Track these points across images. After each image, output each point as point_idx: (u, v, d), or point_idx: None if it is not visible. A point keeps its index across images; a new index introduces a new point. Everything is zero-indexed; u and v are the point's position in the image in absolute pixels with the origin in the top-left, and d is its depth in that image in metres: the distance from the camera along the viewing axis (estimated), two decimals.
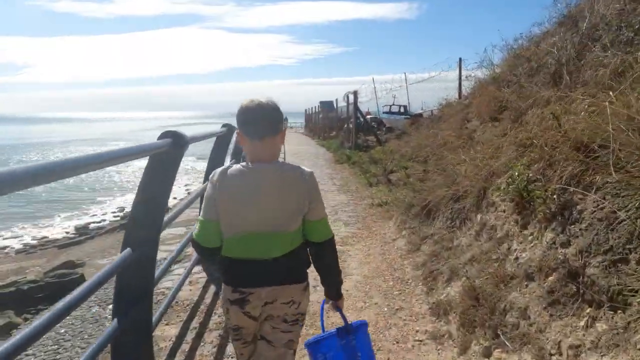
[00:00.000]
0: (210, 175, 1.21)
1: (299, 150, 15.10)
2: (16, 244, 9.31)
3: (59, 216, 12.79)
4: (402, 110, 20.57)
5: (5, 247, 9.05)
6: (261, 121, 1.17)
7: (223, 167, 1.21)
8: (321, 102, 25.39)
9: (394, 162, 7.77)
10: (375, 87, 13.59)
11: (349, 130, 14.10)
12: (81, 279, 4.92)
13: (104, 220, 11.76)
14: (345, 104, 14.72)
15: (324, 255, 1.29)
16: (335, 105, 20.33)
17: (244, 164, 1.19)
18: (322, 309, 1.40)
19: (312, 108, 27.89)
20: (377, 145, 11.76)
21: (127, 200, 13.80)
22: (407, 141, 10.34)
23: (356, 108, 12.13)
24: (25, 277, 5.60)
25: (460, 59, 11.33)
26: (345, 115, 18.13)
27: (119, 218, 11.60)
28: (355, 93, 12.07)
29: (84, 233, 9.80)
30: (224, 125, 3.30)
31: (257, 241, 1.19)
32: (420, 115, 16.89)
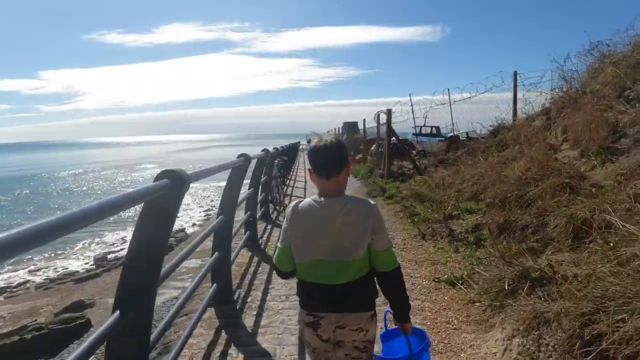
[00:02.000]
0: (287, 208, 1.40)
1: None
2: (38, 278, 9.43)
3: (81, 245, 12.65)
4: (434, 131, 18.44)
5: (27, 282, 9.14)
6: (328, 162, 1.31)
7: (296, 201, 1.36)
8: (345, 123, 24.17)
9: (451, 202, 5.64)
10: (412, 106, 11.59)
11: (380, 155, 12.13)
12: (86, 324, 4.88)
13: (124, 249, 11.39)
14: (375, 124, 12.84)
15: (390, 284, 1.37)
16: (360, 126, 18.52)
17: (314, 197, 1.33)
18: (385, 315, 1.67)
19: (335, 130, 26.56)
20: (415, 174, 9.67)
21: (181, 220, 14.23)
22: (456, 171, 8.21)
23: (390, 129, 10.19)
24: (36, 320, 5.62)
25: (515, 73, 9.28)
26: (374, 136, 16.24)
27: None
28: (389, 112, 10.18)
29: (100, 265, 9.77)
30: (240, 155, 3.30)
31: (324, 268, 1.30)
32: (457, 138, 14.73)
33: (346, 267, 1.29)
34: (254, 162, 4.35)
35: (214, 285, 2.80)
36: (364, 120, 15.17)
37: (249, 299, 3.16)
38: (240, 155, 3.04)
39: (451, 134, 16.48)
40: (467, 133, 16.20)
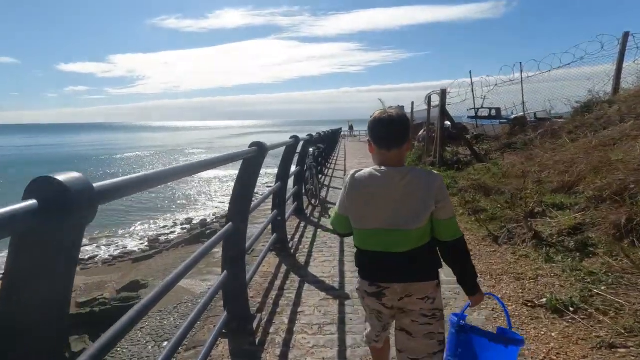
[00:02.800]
0: (345, 176, 1.46)
1: (362, 165, 12.19)
2: (103, 254, 10.48)
3: (137, 226, 13.69)
4: (493, 113, 16.35)
5: (95, 257, 10.19)
6: (390, 134, 1.29)
7: (354, 170, 1.34)
8: (389, 108, 22.71)
9: (533, 195, 4.38)
10: (472, 84, 9.98)
11: (430, 140, 10.77)
12: None
13: (173, 232, 12.37)
14: (425, 107, 11.46)
15: (454, 254, 1.33)
16: (407, 110, 17.00)
17: (374, 167, 1.31)
18: (466, 307, 1.43)
19: None
20: (474, 161, 8.27)
21: (195, 214, 14.93)
22: (529, 157, 6.74)
23: (443, 112, 8.82)
24: (102, 295, 6.41)
25: (626, 34, 7.29)
26: (422, 121, 14.75)
27: (185, 231, 12.04)
28: (443, 93, 8.80)
29: (153, 247, 10.41)
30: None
31: (385, 236, 1.27)
32: (524, 119, 12.73)
33: (408, 236, 1.26)
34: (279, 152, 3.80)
35: (225, 312, 2.24)
36: (412, 103, 13.73)
37: (272, 329, 2.46)
38: (252, 145, 2.26)
39: (514, 115, 14.40)
40: (535, 114, 14.03)
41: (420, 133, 14.09)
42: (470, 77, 10.09)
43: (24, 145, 62.64)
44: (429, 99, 10.65)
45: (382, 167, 1.28)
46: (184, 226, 12.95)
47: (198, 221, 13.25)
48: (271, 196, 3.93)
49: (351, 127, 39.87)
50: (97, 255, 10.29)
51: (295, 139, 4.25)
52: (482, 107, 16.06)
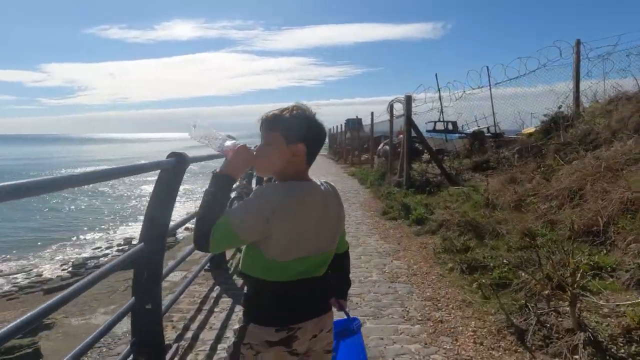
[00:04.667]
0: (259, 192, 1.03)
1: None
2: (7, 284, 8.23)
3: (61, 248, 11.02)
4: (449, 127, 15.83)
5: None
6: (323, 141, 1.12)
7: (272, 184, 1.06)
8: (347, 120, 21.98)
9: (569, 252, 3.03)
10: (440, 90, 8.86)
11: (387, 155, 9.57)
12: (34, 356, 3.56)
13: (107, 255, 10.35)
14: (386, 117, 10.30)
15: (343, 263, 1.28)
16: (367, 122, 15.96)
17: (296, 182, 1.03)
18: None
19: (336, 127, 24.37)
20: (446, 183, 7.09)
21: (136, 232, 12.40)
22: (511, 179, 5.62)
23: (410, 121, 7.60)
24: None
25: (578, 41, 6.71)
26: (382, 134, 13.65)
27: (121, 253, 10.03)
28: (408, 100, 7.59)
29: (77, 274, 8.58)
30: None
31: (310, 263, 1.05)
32: (482, 134, 12.14)
33: (326, 258, 1.10)
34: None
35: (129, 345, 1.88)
36: (372, 114, 12.60)
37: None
38: (171, 155, 1.88)
39: (470, 129, 13.81)
40: (487, 128, 13.60)
41: (380, 147, 12.98)
42: (437, 81, 9.07)
43: None
44: (391, 107, 9.47)
45: (307, 180, 1.08)
46: (122, 247, 11.19)
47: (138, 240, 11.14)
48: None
49: None
50: None
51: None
52: (439, 121, 15.48)
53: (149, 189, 22.54)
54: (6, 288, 7.83)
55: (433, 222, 4.88)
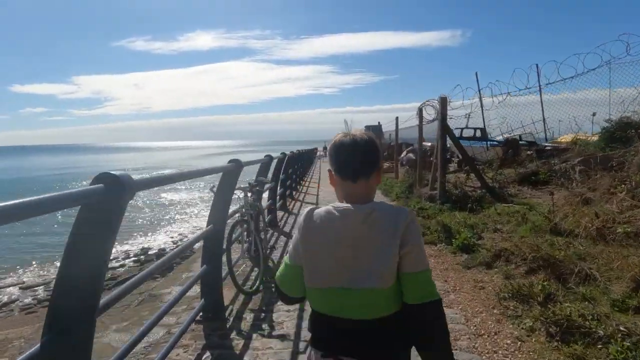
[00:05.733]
0: (299, 215, 1.04)
1: (336, 197, 9.73)
2: (26, 297, 8.15)
3: None
4: (477, 134, 14.64)
5: (12, 302, 7.80)
6: (355, 161, 0.99)
7: (310, 207, 1.02)
8: (366, 127, 21.08)
9: None
10: (481, 91, 7.75)
11: (411, 164, 8.59)
12: None
13: (123, 266, 10.18)
14: (410, 123, 9.35)
15: (425, 323, 0.90)
16: (389, 128, 15.02)
17: (335, 204, 1.00)
18: None
19: None
20: (489, 198, 6.05)
21: (153, 243, 12.44)
22: (586, 198, 4.57)
23: (444, 127, 6.62)
24: None
25: None
26: (405, 141, 12.68)
27: (138, 264, 10.02)
28: (443, 101, 6.62)
29: None
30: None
31: (344, 298, 0.94)
32: (516, 142, 10.97)
33: (373, 297, 0.92)
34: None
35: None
36: (397, 119, 11.65)
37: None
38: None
39: (500, 136, 12.59)
40: (520, 136, 12.39)
41: (403, 155, 11.98)
42: (477, 81, 8.01)
43: None
44: (420, 111, 8.50)
45: (343, 204, 0.97)
46: (139, 257, 11.02)
47: (155, 251, 11.24)
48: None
49: (325, 148, 39.66)
50: (16, 300, 8.01)
51: (236, 164, 2.83)
52: (466, 127, 14.30)
53: (168, 197, 22.60)
54: (27, 301, 7.94)
55: (486, 251, 3.89)
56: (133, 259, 10.83)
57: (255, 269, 3.56)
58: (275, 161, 6.15)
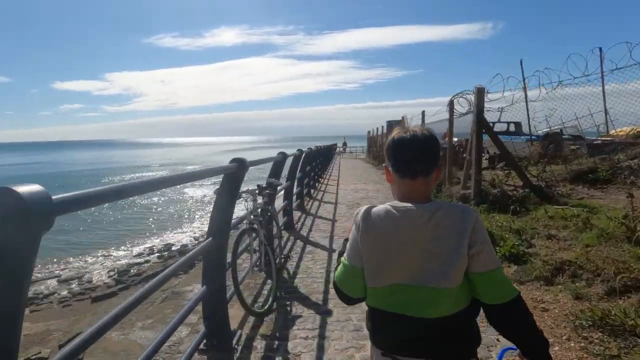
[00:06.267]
0: (355, 215, 1.01)
1: (358, 196, 9.12)
2: (63, 290, 8.78)
3: (108, 254, 11.67)
4: (512, 128, 13.57)
5: (51, 294, 8.48)
6: (414, 158, 0.96)
7: (367, 206, 0.99)
8: (388, 122, 20.48)
9: None
10: (525, 80, 6.89)
11: (453, 162, 7.87)
12: None
13: (148, 261, 10.58)
14: (437, 117, 8.59)
15: (510, 320, 0.91)
16: (417, 121, 14.19)
17: (393, 203, 0.97)
18: (501, 357, 1.11)
19: (376, 129, 22.85)
20: (534, 199, 5.29)
21: (176, 238, 13.08)
22: None
23: (480, 121, 5.89)
24: (39, 353, 4.67)
25: None
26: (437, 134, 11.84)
27: (162, 260, 10.41)
28: (479, 92, 5.88)
29: (120, 281, 8.94)
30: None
31: (407, 295, 0.93)
32: (558, 136, 9.99)
33: (438, 296, 0.91)
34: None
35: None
36: (423, 112, 10.88)
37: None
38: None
39: (540, 131, 11.52)
40: (561, 130, 11.29)
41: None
42: (522, 69, 7.14)
43: (14, 164, 58.63)
44: (451, 104, 7.74)
45: (403, 204, 0.94)
46: (162, 253, 11.28)
47: (178, 247, 11.63)
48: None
49: (344, 144, 39.40)
50: (54, 293, 8.64)
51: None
52: (499, 121, 13.27)
53: (191, 192, 22.71)
54: (63, 293, 8.46)
55: (542, 263, 3.21)
56: (157, 254, 11.16)
57: (269, 281, 3.07)
58: (291, 158, 5.67)
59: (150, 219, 16.24)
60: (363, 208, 0.98)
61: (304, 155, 6.99)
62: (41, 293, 8.57)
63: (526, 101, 7.08)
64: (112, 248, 12.11)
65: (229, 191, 2.18)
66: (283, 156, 3.91)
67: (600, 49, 6.19)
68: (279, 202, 5.90)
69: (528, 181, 5.71)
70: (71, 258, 11.08)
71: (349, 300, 1.01)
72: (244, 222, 2.76)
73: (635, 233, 3.31)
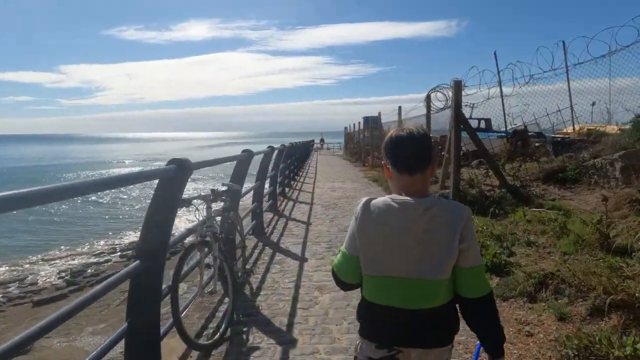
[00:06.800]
0: (355, 206, 1.07)
1: (335, 195, 8.80)
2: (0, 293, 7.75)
3: (65, 252, 10.40)
4: (482, 125, 13.74)
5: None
6: (412, 155, 1.03)
7: (367, 198, 1.06)
8: (365, 118, 20.37)
9: None
10: (500, 73, 6.74)
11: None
12: None
13: (109, 261, 9.58)
14: (414, 113, 8.40)
15: (481, 313, 1.03)
16: (387, 119, 14.11)
17: (391, 197, 1.03)
18: (477, 354, 1.17)
19: (352, 125, 22.70)
20: (510, 200, 5.18)
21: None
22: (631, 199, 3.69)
23: (458, 116, 5.70)
24: None
25: None
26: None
27: (125, 259, 9.52)
28: (457, 85, 5.68)
29: (73, 282, 7.87)
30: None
31: (401, 287, 1.00)
32: (523, 132, 10.16)
33: (430, 289, 0.99)
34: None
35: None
36: (399, 108, 10.71)
37: None
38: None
39: (510, 128, 11.68)
40: (525, 126, 11.54)
41: None
42: (496, 62, 7.02)
43: None
44: (428, 98, 7.56)
45: (402, 197, 1.00)
46: (125, 252, 10.20)
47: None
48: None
49: (322, 140, 39.20)
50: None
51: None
52: (470, 118, 13.33)
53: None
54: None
55: (524, 275, 3.00)
56: (119, 253, 10.10)
57: (227, 299, 2.65)
58: (261, 156, 5.23)
59: (115, 217, 15.16)
60: (363, 200, 1.04)
61: (276, 152, 6.57)
62: None
63: (501, 95, 7.00)
64: (65, 246, 11.05)
65: (166, 200, 1.74)
66: (248, 154, 3.48)
67: (564, 42, 6.16)
68: (247, 203, 5.46)
69: (505, 181, 5.60)
70: (11, 260, 9.85)
71: (344, 285, 1.08)
72: (195, 234, 2.33)
73: (608, 239, 3.19)
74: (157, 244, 1.71)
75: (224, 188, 2.53)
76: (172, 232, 1.88)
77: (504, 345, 1.04)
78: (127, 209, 16.64)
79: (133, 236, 12.08)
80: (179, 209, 2.24)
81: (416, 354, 1.01)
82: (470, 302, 0.99)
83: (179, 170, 1.72)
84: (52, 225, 13.67)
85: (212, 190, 2.42)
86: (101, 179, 1.34)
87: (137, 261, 1.66)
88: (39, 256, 10.17)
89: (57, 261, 9.99)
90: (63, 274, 8.71)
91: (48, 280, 8.48)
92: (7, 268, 9.26)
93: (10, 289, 7.92)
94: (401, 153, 1.02)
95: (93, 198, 17.54)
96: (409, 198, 0.98)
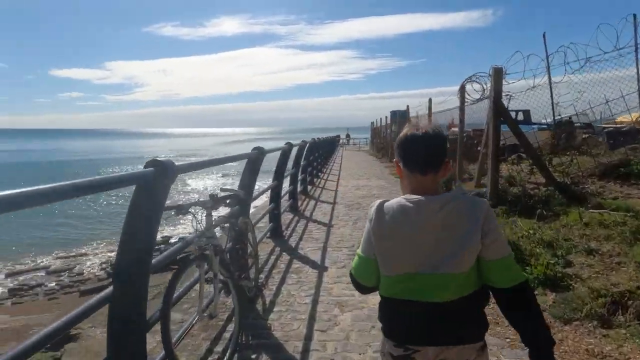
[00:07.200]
0: (369, 208, 1.07)
1: (359, 194, 8.37)
2: (53, 281, 8.30)
3: (104, 243, 10.90)
4: (520, 117, 12.67)
5: (37, 286, 8.08)
6: (424, 154, 1.01)
7: (380, 200, 1.05)
8: (393, 112, 19.67)
9: None
10: (549, 58, 5.94)
11: (464, 156, 7.08)
12: None
13: (93, 267, 9.33)
14: (443, 107, 7.77)
15: (518, 304, 0.98)
16: (414, 113, 13.40)
17: (404, 197, 1.03)
18: None
19: (379, 120, 22.02)
20: (560, 199, 4.52)
21: (178, 230, 11.86)
22: None
23: (497, 106, 5.07)
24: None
25: None
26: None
27: (158, 253, 8.67)
28: (496, 73, 5.05)
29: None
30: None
31: (419, 282, 0.99)
32: (570, 124, 9.15)
33: (448, 281, 0.97)
34: None
35: None
36: (430, 100, 10.02)
37: None
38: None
39: (546, 120, 10.62)
40: (570, 117, 10.42)
41: None
42: (545, 45, 6.24)
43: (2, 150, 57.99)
44: (462, 89, 6.91)
45: (415, 196, 1.00)
46: (159, 246, 9.95)
47: (176, 239, 10.56)
48: None
49: (348, 135, 38.73)
50: (41, 284, 8.11)
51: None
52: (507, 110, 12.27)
53: (193, 184, 21.80)
54: (51, 285, 8.04)
55: (590, 293, 2.45)
56: (155, 246, 10.44)
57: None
58: (278, 153, 4.93)
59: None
60: (377, 202, 1.04)
61: (296, 149, 6.25)
62: (26, 284, 8.25)
63: (549, 82, 6.21)
64: (107, 239, 11.59)
65: (146, 210, 1.45)
66: (258, 152, 3.16)
67: (635, 15, 5.26)
68: (266, 203, 5.19)
69: (552, 178, 4.92)
70: (64, 250, 10.51)
71: (362, 289, 1.09)
72: (193, 247, 2.03)
73: None
74: (134, 264, 1.41)
75: (224, 194, 2.20)
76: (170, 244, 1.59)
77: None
78: (167, 202, 17.18)
79: (166, 231, 12.22)
80: (181, 217, 1.96)
81: (433, 352, 0.98)
82: (506, 292, 0.96)
83: (159, 174, 1.41)
84: (92, 220, 14.43)
85: (211, 196, 2.11)
86: (60, 185, 1.04)
87: (111, 286, 1.37)
88: (84, 249, 10.79)
89: (100, 253, 10.47)
90: (104, 265, 9.27)
91: (92, 271, 9.15)
92: (58, 258, 9.94)
93: (62, 278, 8.69)
94: (413, 152, 1.00)
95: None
96: (422, 197, 0.97)
